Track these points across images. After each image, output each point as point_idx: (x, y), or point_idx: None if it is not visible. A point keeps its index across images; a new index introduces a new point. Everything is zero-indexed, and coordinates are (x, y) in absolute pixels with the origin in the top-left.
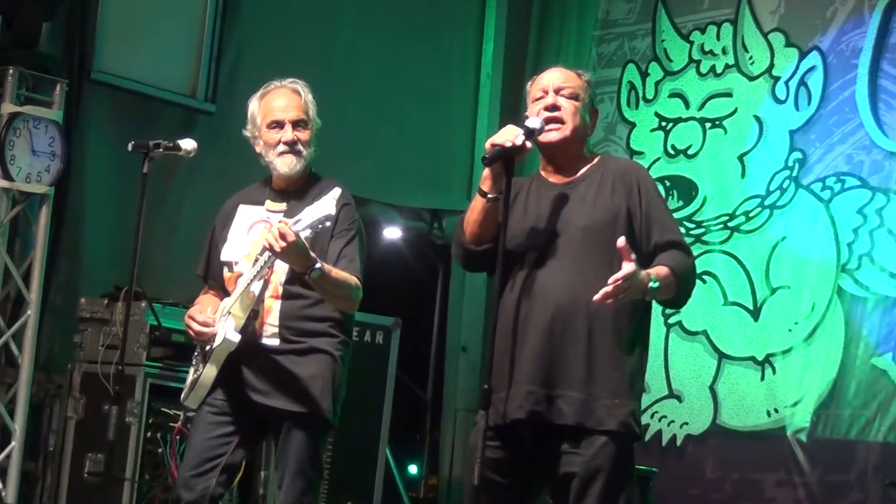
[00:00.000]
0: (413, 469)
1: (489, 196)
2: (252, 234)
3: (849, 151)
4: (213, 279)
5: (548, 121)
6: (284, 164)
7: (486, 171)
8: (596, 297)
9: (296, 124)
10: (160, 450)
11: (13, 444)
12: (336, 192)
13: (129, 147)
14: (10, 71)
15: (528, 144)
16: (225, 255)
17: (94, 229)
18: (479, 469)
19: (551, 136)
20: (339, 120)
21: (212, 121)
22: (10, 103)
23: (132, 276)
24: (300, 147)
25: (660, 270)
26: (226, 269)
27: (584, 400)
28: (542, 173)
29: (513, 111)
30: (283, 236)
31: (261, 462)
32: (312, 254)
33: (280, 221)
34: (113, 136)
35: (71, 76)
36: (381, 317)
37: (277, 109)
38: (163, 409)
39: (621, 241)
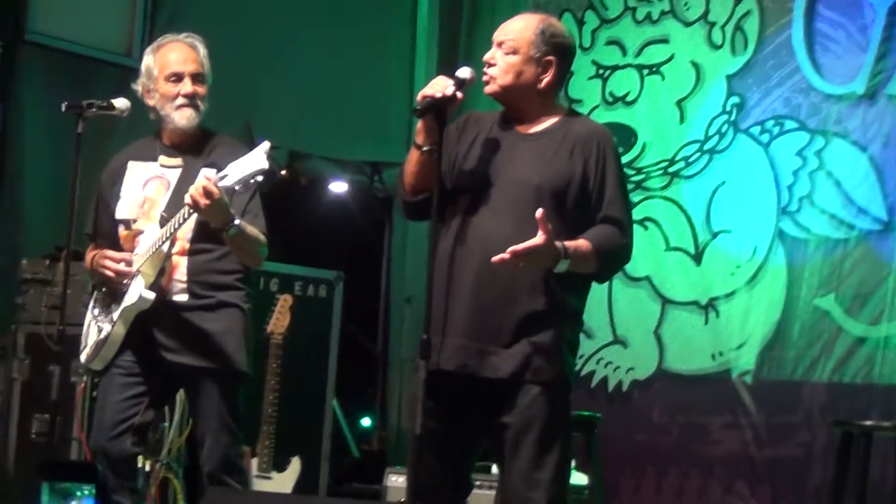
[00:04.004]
0: (366, 422)
1: (424, 148)
2: (147, 190)
3: (786, 94)
4: (103, 237)
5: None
6: (183, 117)
7: (420, 124)
8: (494, 258)
9: (194, 78)
10: None
11: None
12: (265, 145)
13: (63, 107)
14: None
15: (459, 95)
16: (120, 213)
17: (32, 191)
18: (421, 418)
19: (486, 89)
20: (278, 78)
21: None
22: None
23: (70, 235)
24: (198, 101)
25: (580, 245)
26: (121, 227)
27: (517, 354)
28: (506, 116)
29: (449, 62)
30: (207, 193)
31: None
32: (231, 210)
33: (204, 178)
34: (49, 98)
35: (5, 38)
36: (323, 270)
37: (176, 62)
38: None
39: (539, 213)
